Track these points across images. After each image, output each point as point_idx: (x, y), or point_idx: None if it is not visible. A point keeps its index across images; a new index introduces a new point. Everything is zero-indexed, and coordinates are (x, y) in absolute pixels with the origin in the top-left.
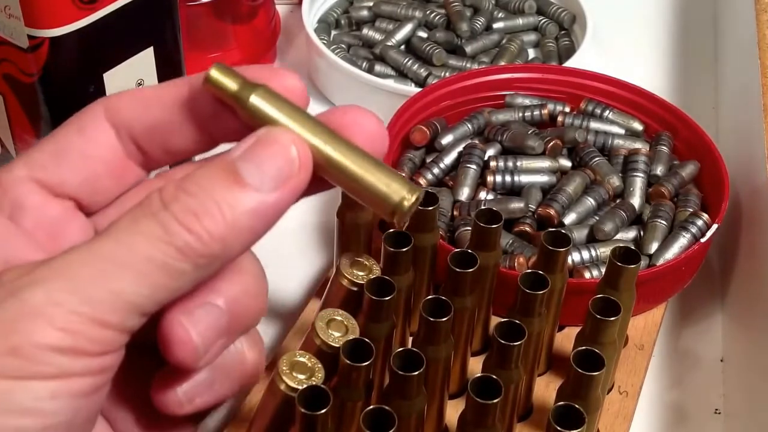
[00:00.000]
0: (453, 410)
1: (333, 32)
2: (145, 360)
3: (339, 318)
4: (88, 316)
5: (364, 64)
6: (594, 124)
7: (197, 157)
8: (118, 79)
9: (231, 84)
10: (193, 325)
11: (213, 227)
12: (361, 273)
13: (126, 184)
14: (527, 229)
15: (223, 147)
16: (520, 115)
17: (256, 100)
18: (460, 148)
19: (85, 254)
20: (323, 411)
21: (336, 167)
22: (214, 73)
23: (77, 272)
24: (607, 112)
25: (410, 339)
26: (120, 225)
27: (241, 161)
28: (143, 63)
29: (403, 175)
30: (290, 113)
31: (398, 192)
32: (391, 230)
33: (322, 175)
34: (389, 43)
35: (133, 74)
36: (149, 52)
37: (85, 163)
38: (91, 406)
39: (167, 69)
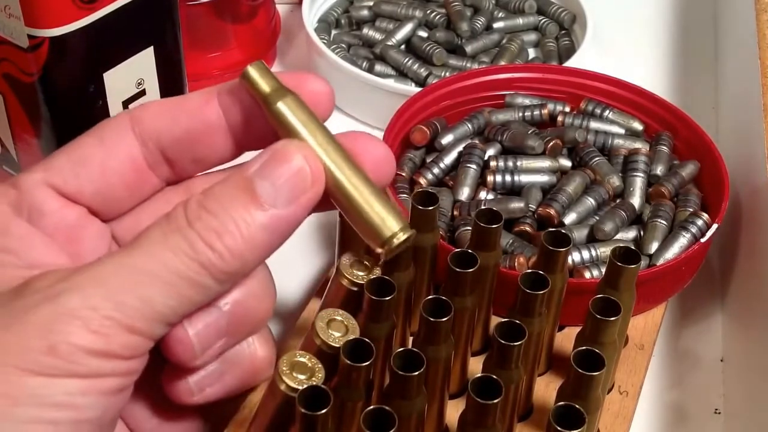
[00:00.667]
0: (453, 410)
1: (333, 32)
2: (154, 359)
3: (339, 318)
4: (120, 321)
5: (365, 63)
6: (594, 124)
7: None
8: (118, 78)
9: (264, 85)
10: (191, 324)
11: (233, 244)
12: (361, 273)
13: (141, 196)
14: (527, 229)
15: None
16: (520, 114)
17: (281, 106)
18: (460, 147)
19: (118, 265)
20: (324, 411)
21: (339, 189)
22: (252, 71)
23: (112, 281)
24: (607, 111)
25: (410, 339)
26: (152, 238)
27: (256, 177)
28: (143, 63)
29: (400, 213)
30: (310, 127)
31: (391, 228)
32: None
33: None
34: (389, 43)
35: (133, 74)
36: (149, 51)
37: (102, 174)
38: (117, 405)
39: (167, 69)
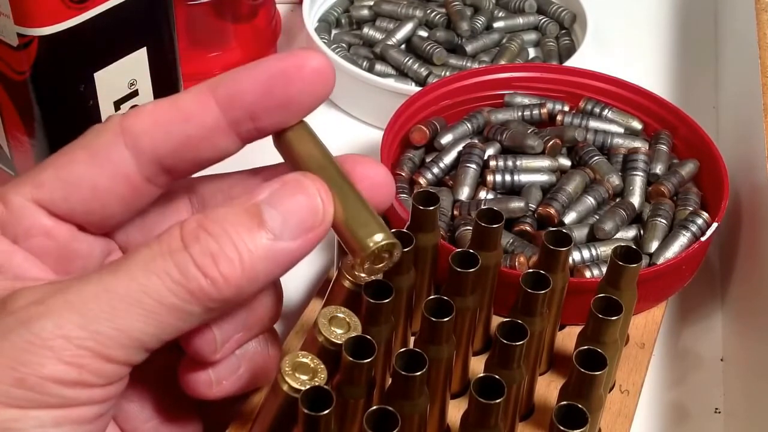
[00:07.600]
0: (455, 410)
1: (333, 31)
2: (151, 359)
3: (341, 315)
4: (95, 351)
5: (365, 63)
6: (593, 123)
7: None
8: (109, 79)
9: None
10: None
11: (230, 272)
12: (363, 274)
13: (137, 207)
14: (527, 228)
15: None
16: (520, 114)
17: (290, 132)
18: (459, 147)
19: (97, 288)
20: (326, 412)
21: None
22: None
23: (88, 307)
24: (607, 110)
25: (412, 339)
26: (137, 260)
27: (266, 205)
28: (136, 63)
29: (391, 232)
30: (313, 151)
31: (371, 234)
32: (393, 230)
33: None
34: (390, 43)
35: (125, 75)
36: (142, 52)
37: (94, 196)
38: (96, 430)
39: (161, 69)
